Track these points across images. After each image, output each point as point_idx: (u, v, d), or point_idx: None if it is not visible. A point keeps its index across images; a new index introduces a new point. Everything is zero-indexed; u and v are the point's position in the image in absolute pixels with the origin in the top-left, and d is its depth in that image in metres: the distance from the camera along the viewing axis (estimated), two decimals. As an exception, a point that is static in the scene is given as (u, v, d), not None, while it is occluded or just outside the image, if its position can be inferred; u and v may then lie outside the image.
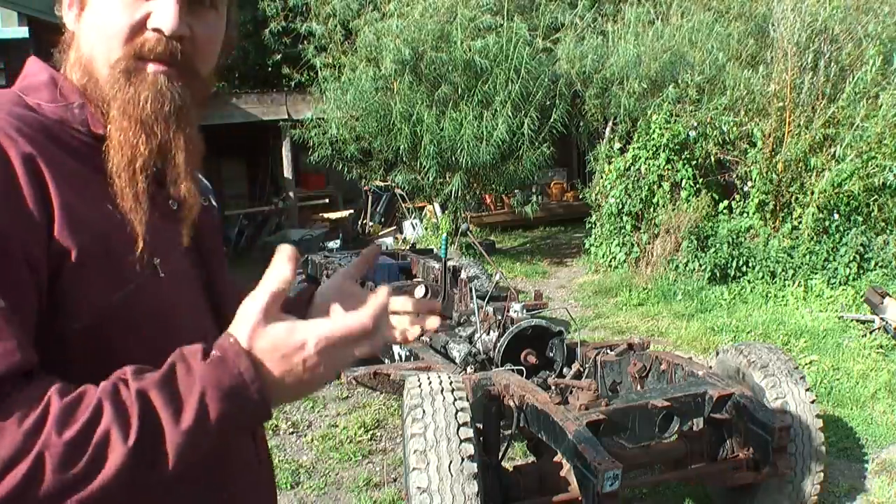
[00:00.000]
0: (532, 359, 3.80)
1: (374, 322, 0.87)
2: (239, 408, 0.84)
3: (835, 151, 7.51)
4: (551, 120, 9.00)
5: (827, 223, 7.45)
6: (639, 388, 3.54)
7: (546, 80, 8.88)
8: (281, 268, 0.87)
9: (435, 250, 7.35)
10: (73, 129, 1.00)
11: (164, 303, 1.00)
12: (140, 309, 0.97)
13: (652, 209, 8.33)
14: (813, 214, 7.39)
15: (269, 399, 0.86)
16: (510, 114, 8.61)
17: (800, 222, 7.61)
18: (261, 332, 0.86)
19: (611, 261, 8.78)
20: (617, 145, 9.07)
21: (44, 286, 0.89)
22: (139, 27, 0.98)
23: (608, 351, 3.80)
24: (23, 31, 5.13)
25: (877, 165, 7.26)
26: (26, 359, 0.84)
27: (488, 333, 3.97)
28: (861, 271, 7.17)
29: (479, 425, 3.14)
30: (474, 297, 4.29)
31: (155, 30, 0.98)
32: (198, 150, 1.06)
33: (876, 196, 7.43)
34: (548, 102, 9.06)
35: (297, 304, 1.18)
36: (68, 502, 0.80)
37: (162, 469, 0.82)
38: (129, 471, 0.81)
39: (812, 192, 7.53)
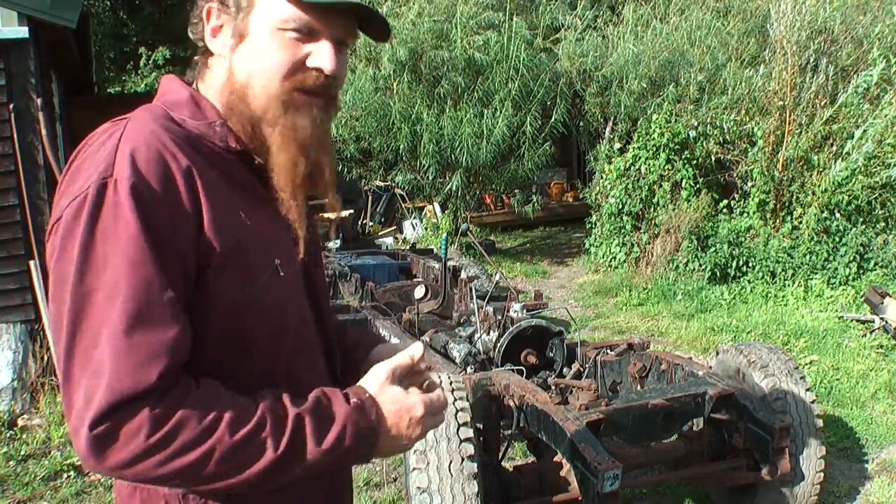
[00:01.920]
0: (532, 359, 3.80)
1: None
2: (364, 445, 1.11)
3: (837, 150, 7.51)
4: (552, 119, 8.99)
5: (828, 223, 7.45)
6: (639, 388, 3.54)
7: (546, 78, 8.87)
8: (410, 354, 1.19)
9: (435, 250, 7.35)
10: (212, 143, 1.14)
11: (282, 297, 1.18)
12: (265, 302, 1.13)
13: (652, 209, 8.33)
14: (815, 214, 7.39)
15: (378, 444, 1.13)
16: (510, 112, 8.60)
17: (800, 222, 7.61)
18: (386, 388, 1.14)
19: (611, 261, 8.78)
20: (617, 145, 9.07)
21: (192, 279, 1.06)
22: (300, 65, 1.15)
23: (608, 351, 3.80)
24: (23, 31, 5.12)
25: (879, 164, 7.27)
26: (188, 347, 1.04)
27: (488, 333, 3.97)
28: (861, 271, 7.17)
29: (479, 425, 3.14)
30: (474, 297, 4.29)
31: (315, 68, 1.15)
32: (335, 167, 1.29)
33: (878, 195, 7.44)
34: (548, 102, 9.05)
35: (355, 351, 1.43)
36: (213, 485, 1.03)
37: (293, 475, 1.07)
38: (271, 472, 1.04)
39: (813, 192, 7.52)
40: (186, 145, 1.10)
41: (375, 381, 1.14)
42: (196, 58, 1.22)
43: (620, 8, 10.14)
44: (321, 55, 1.15)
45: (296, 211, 1.17)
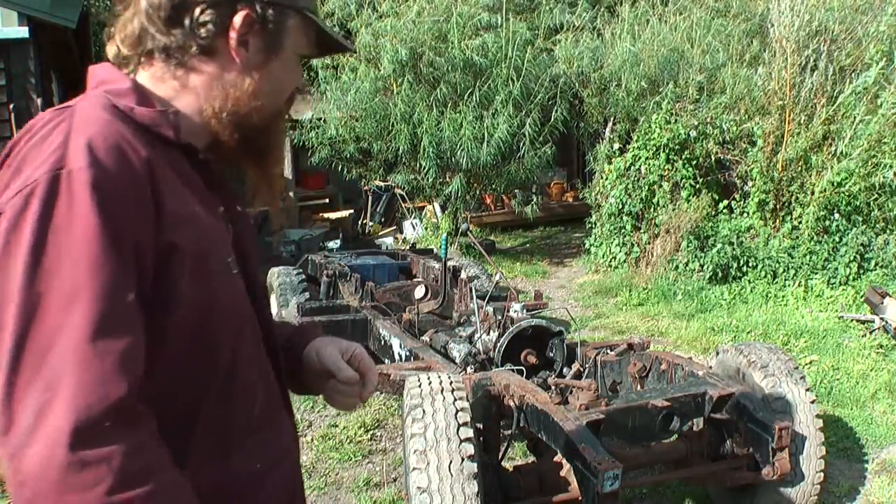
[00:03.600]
0: (532, 359, 3.80)
1: None
2: None
3: (835, 150, 7.51)
4: (552, 120, 8.98)
5: (827, 223, 7.45)
6: (639, 388, 3.54)
7: (546, 79, 8.87)
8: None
9: (435, 250, 7.35)
10: (162, 134, 1.09)
11: (236, 296, 1.14)
12: (223, 300, 1.09)
13: (652, 209, 8.33)
14: (813, 214, 7.39)
15: None
16: (511, 114, 8.60)
17: (800, 222, 7.61)
18: None
19: (611, 261, 8.78)
20: (616, 145, 9.07)
21: (150, 277, 0.99)
22: None
23: (608, 351, 3.80)
24: (23, 31, 5.12)
25: (877, 164, 7.27)
26: (143, 356, 0.96)
27: (488, 333, 3.97)
28: (861, 271, 7.17)
29: (479, 425, 3.14)
30: (474, 297, 4.29)
31: (298, 89, 1.28)
32: None
33: (876, 195, 7.44)
34: (549, 102, 9.04)
35: (291, 348, 1.39)
36: None
37: None
38: None
39: (812, 192, 7.53)
40: (141, 135, 1.05)
41: None
42: (156, 50, 1.14)
43: (618, 7, 10.14)
44: (301, 77, 1.27)
45: (277, 202, 1.27)
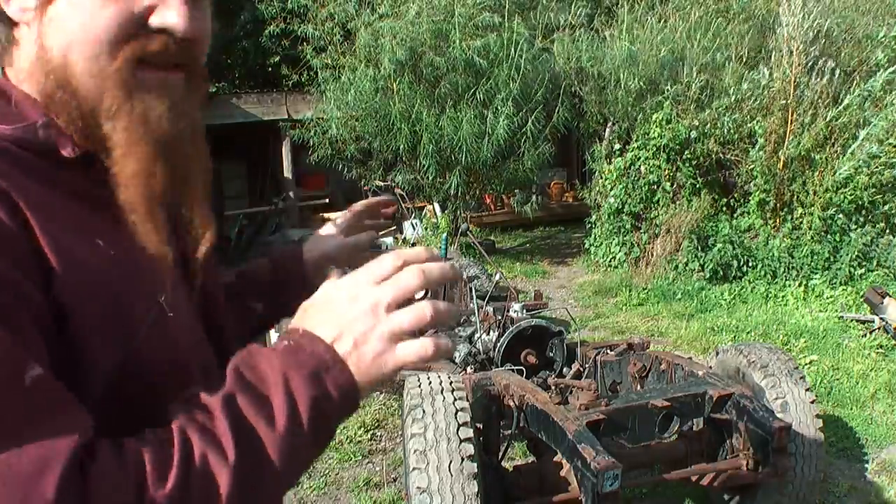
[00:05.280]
0: (532, 359, 3.80)
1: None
2: (325, 391, 0.75)
3: (839, 149, 7.52)
4: (553, 119, 9.00)
5: (829, 222, 7.46)
6: (639, 388, 3.54)
7: (546, 78, 8.88)
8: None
9: (435, 251, 7.35)
10: (34, 153, 0.78)
11: (174, 343, 0.84)
12: (153, 357, 0.80)
13: (652, 209, 8.34)
14: (817, 214, 7.40)
15: (354, 381, 0.77)
16: (511, 112, 8.61)
17: (800, 222, 7.62)
18: (316, 299, 0.82)
19: (611, 261, 8.79)
20: (616, 145, 9.08)
21: (53, 335, 0.72)
22: (138, 26, 0.79)
23: (608, 351, 3.80)
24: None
25: (881, 163, 7.27)
26: (85, 416, 0.70)
27: (488, 333, 3.97)
28: (863, 271, 7.18)
29: (479, 425, 3.14)
30: (474, 297, 4.29)
31: (161, 29, 0.80)
32: (210, 168, 0.90)
33: (880, 195, 7.44)
34: (550, 101, 9.06)
35: (288, 265, 1.22)
36: None
37: (271, 478, 0.73)
38: (241, 490, 0.71)
39: (815, 192, 7.53)
40: (7, 157, 0.75)
41: (305, 303, 0.81)
42: None
43: (616, 8, 10.15)
44: (167, 9, 0.80)
45: (155, 236, 0.81)
